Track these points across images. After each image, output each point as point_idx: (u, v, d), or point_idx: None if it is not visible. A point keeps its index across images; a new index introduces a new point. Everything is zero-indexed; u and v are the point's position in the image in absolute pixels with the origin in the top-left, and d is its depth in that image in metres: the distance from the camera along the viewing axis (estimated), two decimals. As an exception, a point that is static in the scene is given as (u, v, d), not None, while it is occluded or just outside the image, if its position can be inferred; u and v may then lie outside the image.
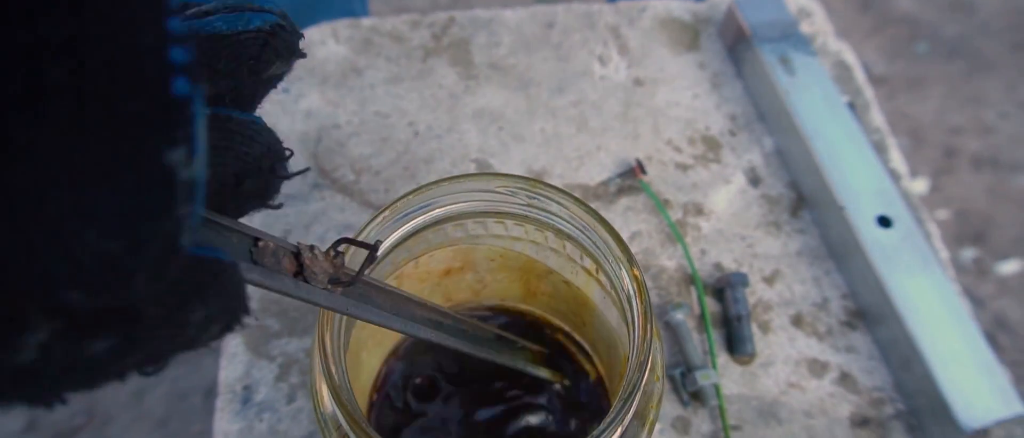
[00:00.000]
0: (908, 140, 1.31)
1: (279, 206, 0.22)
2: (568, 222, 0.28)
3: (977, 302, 1.14)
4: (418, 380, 0.38)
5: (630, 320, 0.26)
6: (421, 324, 0.28)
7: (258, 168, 0.19)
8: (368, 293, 0.26)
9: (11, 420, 1.04)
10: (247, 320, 0.18)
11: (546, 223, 0.29)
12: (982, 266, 1.18)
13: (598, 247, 0.27)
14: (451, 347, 0.30)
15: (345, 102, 0.54)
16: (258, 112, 0.29)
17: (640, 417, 0.27)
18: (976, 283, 1.16)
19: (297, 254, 0.22)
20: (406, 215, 0.29)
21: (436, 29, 0.58)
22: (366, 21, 0.58)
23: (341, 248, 0.24)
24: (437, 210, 0.29)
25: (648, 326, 0.25)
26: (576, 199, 0.27)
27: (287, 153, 0.21)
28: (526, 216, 0.29)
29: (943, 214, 1.23)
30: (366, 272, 0.24)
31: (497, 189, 0.28)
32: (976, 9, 1.50)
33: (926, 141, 1.31)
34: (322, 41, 0.57)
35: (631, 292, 0.26)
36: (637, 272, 0.26)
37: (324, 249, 0.23)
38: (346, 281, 0.23)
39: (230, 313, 0.17)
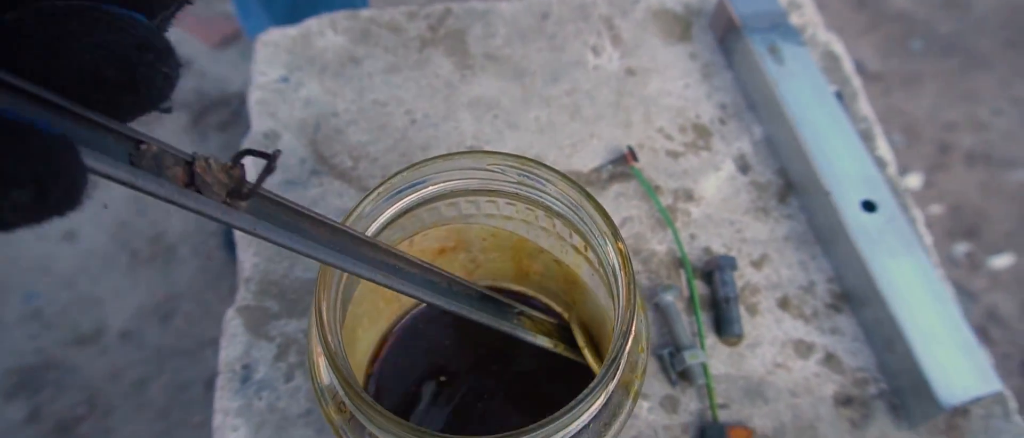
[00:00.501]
0: (903, 136, 1.32)
1: (168, 110, 0.21)
2: (557, 199, 0.29)
3: (969, 296, 1.16)
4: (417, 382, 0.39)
5: (615, 292, 0.27)
6: (361, 261, 0.26)
7: (126, 60, 0.18)
8: (278, 213, 0.24)
9: (14, 410, 1.05)
10: (80, 201, 0.17)
11: (536, 201, 0.31)
12: (975, 260, 1.19)
13: (585, 223, 0.28)
14: (420, 299, 0.29)
15: (343, 91, 0.55)
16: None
17: (625, 386, 0.28)
18: (969, 277, 1.17)
19: (190, 163, 0.21)
20: (400, 192, 0.30)
21: (433, 20, 0.59)
22: (364, 12, 0.59)
23: (244, 161, 0.22)
24: (430, 188, 0.30)
25: (632, 297, 0.26)
26: (564, 176, 0.29)
27: (177, 60, 0.20)
28: (517, 194, 0.30)
29: (937, 209, 1.24)
30: (264, 184, 0.22)
31: (488, 167, 0.29)
32: (971, 7, 1.52)
33: (921, 137, 1.33)
34: (321, 32, 0.58)
35: (616, 265, 0.27)
36: (622, 245, 0.27)
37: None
38: (246, 194, 0.22)
39: (40, 183, 0.16)
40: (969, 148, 1.31)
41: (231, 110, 1.36)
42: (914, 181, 1.27)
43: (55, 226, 1.22)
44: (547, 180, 0.29)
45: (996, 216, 1.24)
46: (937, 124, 1.34)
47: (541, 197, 0.30)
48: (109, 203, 1.25)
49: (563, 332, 0.36)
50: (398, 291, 0.28)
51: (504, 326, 0.32)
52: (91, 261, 1.18)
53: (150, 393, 1.07)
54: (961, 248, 1.20)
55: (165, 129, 1.33)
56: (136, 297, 1.15)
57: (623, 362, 0.26)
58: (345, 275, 0.30)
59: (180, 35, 1.46)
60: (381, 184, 0.29)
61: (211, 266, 1.18)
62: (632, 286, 0.26)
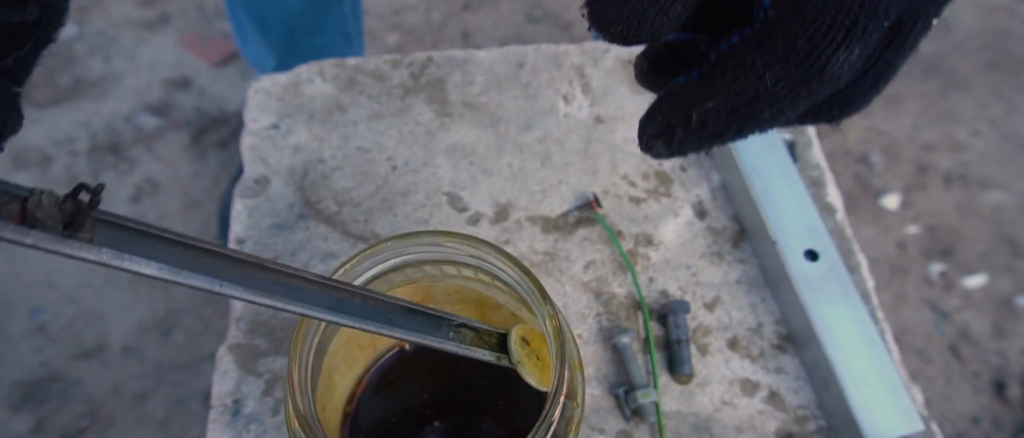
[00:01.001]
0: (882, 157, 1.36)
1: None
2: (503, 271, 0.33)
3: (942, 315, 1.19)
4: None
5: (550, 356, 0.31)
6: (234, 282, 0.25)
7: None
8: (132, 240, 0.23)
9: (19, 422, 1.10)
10: None
11: (489, 272, 0.34)
12: (948, 280, 1.23)
13: (526, 293, 0.32)
14: (323, 319, 0.28)
15: (330, 138, 0.59)
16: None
17: None
18: (942, 296, 1.21)
19: (25, 199, 0.21)
20: (370, 262, 0.34)
21: (415, 68, 0.63)
22: (351, 61, 0.63)
23: (82, 196, 0.22)
24: (396, 260, 0.34)
25: (562, 366, 0.30)
26: (509, 256, 0.32)
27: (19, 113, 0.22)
28: (471, 265, 0.34)
29: (913, 229, 1.28)
30: (94, 210, 0.22)
31: (445, 243, 0.33)
32: (952, 28, 1.55)
33: (900, 157, 1.36)
34: (310, 79, 0.62)
35: (550, 334, 0.31)
36: (554, 319, 0.31)
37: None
38: (82, 226, 0.22)
39: None
40: (947, 169, 1.35)
41: (230, 129, 1.40)
42: (892, 201, 1.30)
43: (59, 243, 1.26)
44: (494, 257, 0.33)
45: (971, 236, 1.27)
46: (916, 145, 1.38)
47: (490, 268, 0.34)
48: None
49: (504, 344, 0.34)
50: (290, 312, 0.27)
51: (438, 342, 0.31)
52: (94, 277, 1.22)
53: (150, 406, 1.11)
54: (936, 268, 1.24)
55: (166, 147, 1.37)
56: (137, 312, 1.19)
57: (556, 418, 0.30)
58: (319, 332, 0.34)
59: (181, 54, 1.51)
60: (359, 253, 0.33)
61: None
62: (562, 355, 0.30)
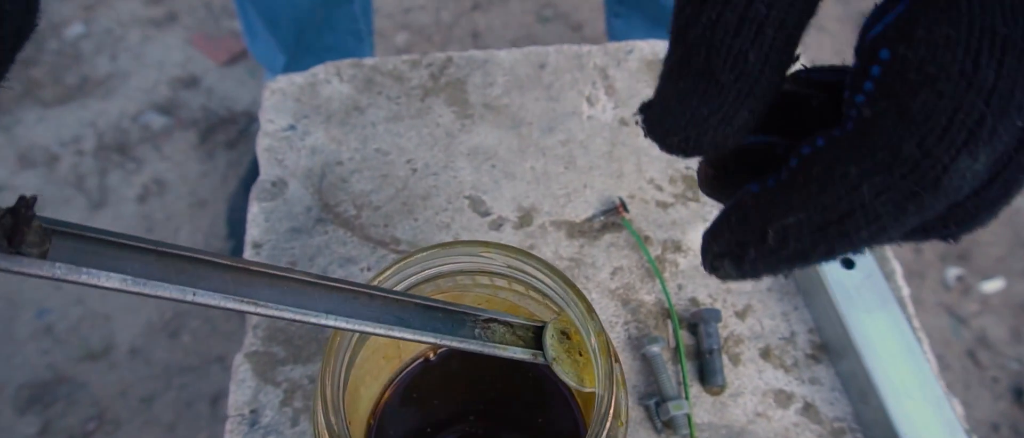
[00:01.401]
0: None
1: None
2: (545, 283, 0.32)
3: (960, 320, 1.18)
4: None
5: (597, 374, 0.30)
6: (209, 290, 0.23)
7: None
8: (90, 251, 0.22)
9: (26, 424, 1.08)
10: None
11: (527, 283, 0.33)
12: (965, 284, 1.22)
13: (570, 307, 0.31)
14: (317, 325, 0.26)
15: (348, 140, 0.58)
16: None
17: (604, 457, 0.30)
18: (959, 301, 1.20)
19: None
20: (400, 274, 0.32)
21: (434, 69, 0.62)
22: (368, 61, 0.62)
23: (28, 210, 0.21)
24: (429, 271, 0.33)
25: (610, 382, 0.28)
26: (551, 267, 0.31)
27: None
28: (507, 275, 0.33)
29: (930, 232, 1.26)
30: (32, 223, 0.21)
31: (482, 255, 0.32)
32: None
33: (915, 159, 1.35)
34: (327, 79, 0.61)
35: (596, 351, 0.29)
36: (602, 336, 0.29)
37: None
38: (21, 238, 0.20)
39: None
40: (963, 171, 1.33)
41: (239, 128, 1.38)
42: (908, 204, 1.29)
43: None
44: (537, 271, 0.31)
45: (988, 241, 1.26)
46: (932, 147, 1.36)
47: (529, 280, 0.32)
48: (118, 220, 1.28)
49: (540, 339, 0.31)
50: (280, 318, 0.25)
51: (461, 341, 0.28)
52: (101, 278, 1.20)
53: (157, 409, 1.10)
54: (953, 272, 1.22)
55: (173, 147, 1.36)
56: (144, 314, 1.17)
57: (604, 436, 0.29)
58: (350, 347, 0.33)
59: (189, 52, 1.49)
60: (381, 273, 0.32)
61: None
62: (611, 373, 0.28)
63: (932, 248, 1.25)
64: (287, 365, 0.49)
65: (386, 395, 0.42)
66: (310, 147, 0.57)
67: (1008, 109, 0.17)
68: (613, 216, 0.54)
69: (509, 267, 0.32)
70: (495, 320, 0.29)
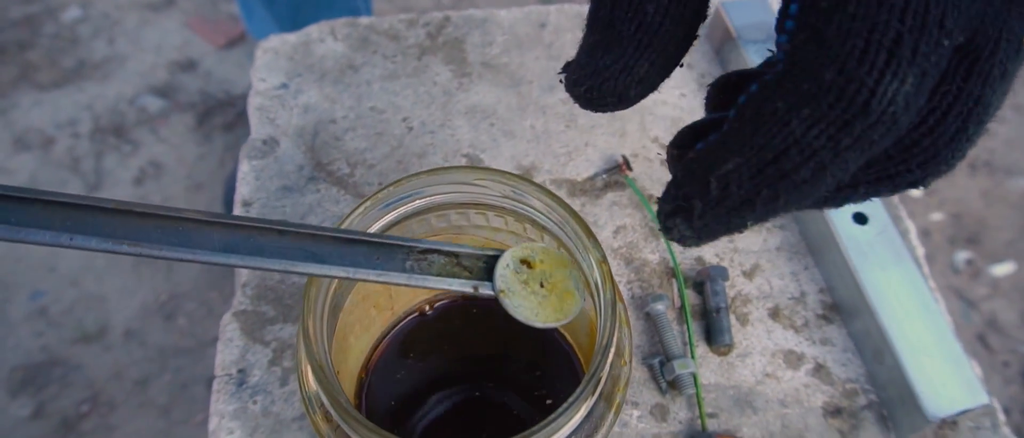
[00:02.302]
0: (905, 142, 1.32)
1: None
2: (544, 215, 0.30)
3: (970, 304, 1.15)
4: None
5: (599, 307, 0.28)
6: (99, 236, 0.22)
7: None
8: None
9: (19, 406, 1.06)
10: None
11: (524, 215, 0.31)
12: (975, 268, 1.19)
13: (571, 239, 0.29)
14: (217, 264, 0.23)
15: (342, 98, 0.56)
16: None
17: (607, 399, 0.28)
18: (969, 285, 1.17)
19: None
20: (389, 205, 0.30)
21: (431, 28, 0.60)
22: (364, 20, 0.60)
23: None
24: (419, 201, 0.31)
25: (613, 313, 0.26)
26: (550, 193, 0.29)
27: None
28: (505, 208, 0.31)
29: (938, 216, 1.24)
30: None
31: (476, 182, 0.30)
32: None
33: (923, 143, 1.33)
34: (321, 38, 0.59)
35: (599, 282, 0.27)
36: (605, 264, 0.27)
37: None
38: None
39: None
40: (971, 156, 1.31)
41: (236, 111, 1.37)
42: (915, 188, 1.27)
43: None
44: (534, 197, 0.29)
45: (997, 224, 1.23)
46: (940, 131, 1.34)
47: (528, 212, 0.30)
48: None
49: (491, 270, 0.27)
50: (178, 260, 0.23)
51: (387, 276, 0.25)
52: (96, 261, 1.19)
53: (152, 391, 1.08)
54: (962, 256, 1.20)
55: (170, 129, 1.34)
56: (140, 296, 1.16)
57: (605, 375, 0.27)
58: (333, 285, 0.31)
59: (187, 35, 1.47)
60: (370, 197, 0.30)
61: (214, 266, 1.18)
62: (614, 303, 0.26)
63: (941, 231, 1.23)
64: (276, 324, 0.47)
65: (379, 350, 0.40)
66: (303, 105, 0.55)
67: (926, 26, 0.17)
68: (616, 174, 0.52)
69: (504, 197, 0.30)
70: (436, 250, 0.26)
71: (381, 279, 0.25)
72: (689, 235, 0.20)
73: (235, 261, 0.23)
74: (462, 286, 0.25)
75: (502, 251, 0.26)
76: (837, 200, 0.20)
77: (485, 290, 0.25)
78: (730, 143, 0.18)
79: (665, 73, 0.22)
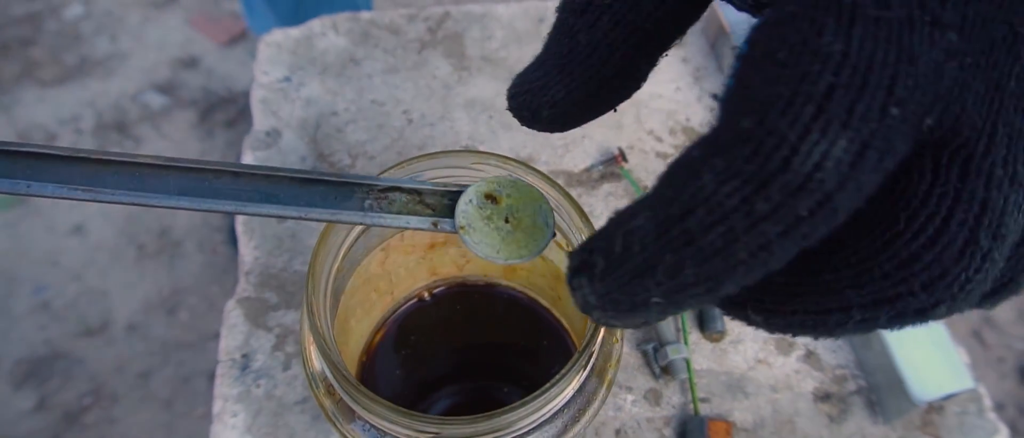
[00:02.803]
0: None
1: None
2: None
3: (965, 299, 1.16)
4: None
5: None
6: (54, 182, 0.22)
7: None
8: None
9: (22, 399, 1.08)
10: None
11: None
12: (971, 264, 1.20)
13: (564, 220, 0.30)
14: (181, 208, 0.23)
15: (343, 91, 0.57)
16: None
17: (598, 374, 0.29)
18: (965, 280, 1.18)
19: None
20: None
21: (431, 23, 0.61)
22: (365, 14, 0.61)
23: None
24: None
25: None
26: (544, 176, 0.30)
27: None
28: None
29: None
30: None
31: (473, 165, 0.31)
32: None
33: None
34: (323, 33, 0.60)
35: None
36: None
37: None
38: None
39: None
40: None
41: (238, 108, 1.38)
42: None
43: (64, 220, 1.24)
44: (530, 180, 0.30)
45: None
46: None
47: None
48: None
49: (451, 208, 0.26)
50: (119, 203, 0.23)
51: (344, 215, 0.24)
52: (99, 255, 1.20)
53: (155, 385, 1.09)
54: (958, 252, 1.21)
55: (172, 126, 1.35)
56: (142, 290, 1.17)
57: (596, 349, 0.28)
58: (335, 267, 0.32)
59: (189, 33, 1.49)
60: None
61: (216, 261, 1.20)
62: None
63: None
64: (279, 310, 0.48)
65: (379, 335, 0.41)
66: (305, 98, 0.56)
67: (867, 86, 0.14)
68: (612, 166, 0.53)
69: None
70: (397, 188, 0.25)
71: (334, 218, 0.24)
72: (591, 300, 0.16)
73: (189, 204, 0.23)
74: (420, 223, 0.24)
75: (465, 187, 0.25)
76: (826, 326, 0.16)
77: (445, 226, 0.24)
78: (648, 196, 0.16)
79: (585, 106, 0.21)
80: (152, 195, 0.23)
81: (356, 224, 0.25)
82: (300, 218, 0.24)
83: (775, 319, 0.17)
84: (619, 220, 0.16)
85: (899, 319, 0.16)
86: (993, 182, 0.16)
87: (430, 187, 0.25)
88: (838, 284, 0.16)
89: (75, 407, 1.07)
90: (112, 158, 0.23)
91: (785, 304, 0.17)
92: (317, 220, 0.24)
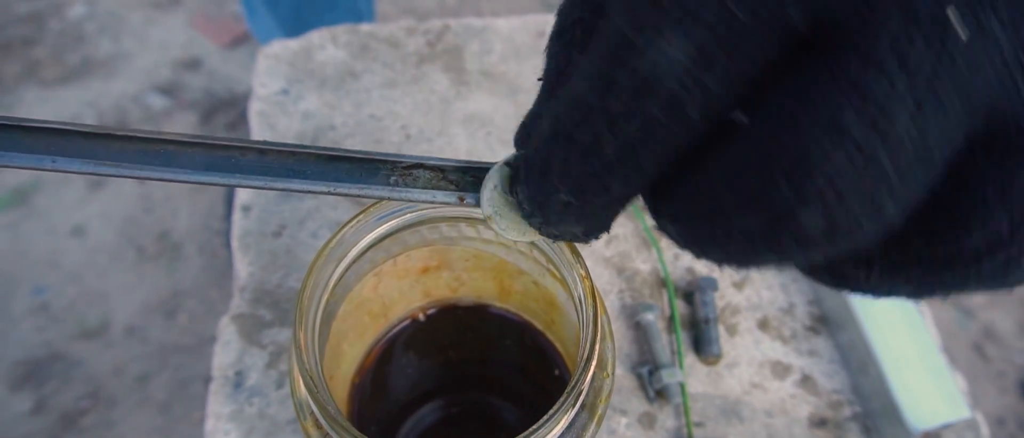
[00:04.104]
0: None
1: None
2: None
3: (967, 312, 1.16)
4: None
5: (582, 320, 0.28)
6: (81, 158, 0.22)
7: None
8: None
9: (19, 401, 1.08)
10: None
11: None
12: (972, 276, 1.20)
13: (555, 252, 0.30)
14: (204, 183, 0.23)
15: (341, 105, 0.57)
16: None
17: (589, 409, 0.29)
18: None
19: None
20: (382, 218, 0.31)
21: (431, 36, 0.61)
22: (364, 27, 0.61)
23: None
24: (411, 214, 0.31)
25: (596, 327, 0.27)
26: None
27: None
28: (492, 221, 0.32)
29: (936, 224, 1.25)
30: None
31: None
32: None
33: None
34: (322, 45, 0.60)
35: (582, 296, 0.28)
36: (588, 280, 0.28)
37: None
38: None
39: None
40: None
41: (239, 110, 1.38)
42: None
43: (64, 221, 1.24)
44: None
45: (996, 233, 1.24)
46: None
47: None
48: (118, 200, 1.27)
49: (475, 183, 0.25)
50: (144, 179, 0.23)
51: (369, 189, 0.24)
52: (98, 257, 1.20)
53: (153, 388, 1.09)
54: (959, 264, 1.21)
55: (174, 127, 1.35)
56: (141, 293, 1.17)
57: (586, 388, 0.28)
58: (326, 292, 0.32)
59: (191, 34, 1.49)
60: (362, 211, 0.30)
61: (215, 264, 1.19)
62: (596, 318, 0.27)
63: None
64: (273, 328, 0.47)
65: (372, 356, 0.41)
66: (303, 111, 0.56)
67: None
68: (610, 184, 0.53)
69: (494, 211, 0.31)
70: (421, 165, 0.25)
71: (362, 193, 0.24)
72: (525, 206, 0.19)
73: (216, 179, 0.23)
74: (446, 197, 0.24)
75: (491, 164, 0.25)
76: (846, 276, 0.16)
77: (470, 201, 0.25)
78: (543, 99, 0.20)
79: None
80: (179, 171, 0.23)
81: (383, 199, 0.25)
82: (328, 193, 0.24)
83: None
84: (528, 123, 0.18)
85: (926, 286, 0.16)
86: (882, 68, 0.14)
87: (453, 164, 0.25)
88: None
89: (72, 410, 1.07)
90: (138, 134, 0.22)
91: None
92: (345, 195, 0.24)
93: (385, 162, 0.24)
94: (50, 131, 0.22)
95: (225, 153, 0.23)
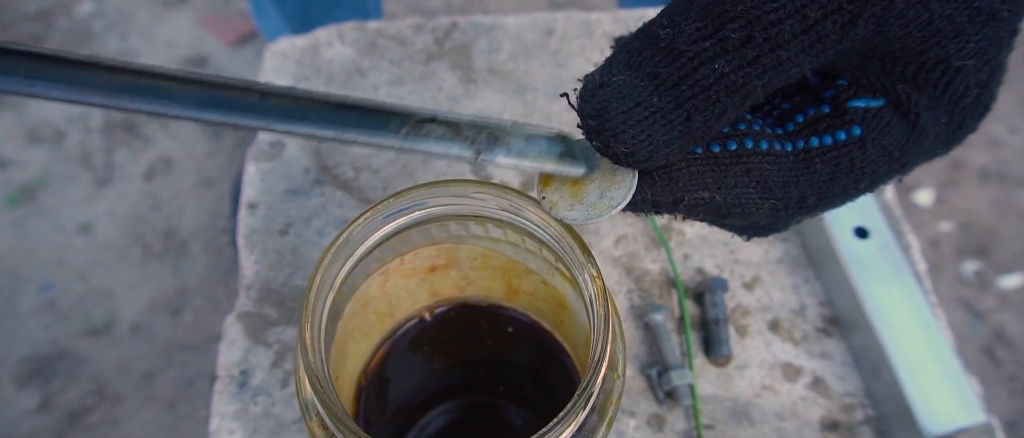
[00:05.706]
0: (915, 151, 1.32)
1: None
2: (540, 228, 0.30)
3: (977, 315, 1.15)
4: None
5: (592, 320, 0.28)
6: (67, 84, 0.20)
7: None
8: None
9: (26, 398, 1.08)
10: None
11: (521, 228, 0.31)
12: (984, 279, 1.19)
13: (566, 252, 0.29)
14: (211, 123, 0.22)
15: (348, 102, 0.56)
16: None
17: (599, 412, 0.29)
18: (977, 296, 1.17)
19: None
20: (390, 215, 0.31)
21: (439, 33, 0.60)
22: (372, 24, 0.60)
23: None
24: (419, 212, 0.31)
25: (607, 328, 0.26)
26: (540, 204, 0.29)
27: None
28: (502, 220, 0.31)
29: (947, 226, 1.24)
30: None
31: (475, 194, 0.30)
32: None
33: (933, 152, 1.32)
34: (329, 42, 0.59)
35: (593, 296, 0.27)
36: (599, 279, 0.28)
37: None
38: None
39: None
40: (982, 166, 1.30)
41: (246, 108, 1.37)
42: (925, 197, 1.26)
43: (71, 219, 1.24)
44: (531, 211, 0.29)
45: (1007, 235, 1.23)
46: (950, 140, 1.33)
47: (525, 225, 0.30)
48: (124, 197, 1.27)
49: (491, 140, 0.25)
50: (138, 112, 0.22)
51: (379, 139, 0.23)
52: (105, 254, 1.20)
53: (158, 386, 1.09)
54: (970, 266, 1.20)
55: (181, 126, 1.35)
56: (147, 291, 1.17)
57: (596, 390, 0.27)
58: (333, 291, 0.31)
59: (198, 32, 1.48)
60: (371, 208, 0.30)
61: (221, 262, 1.19)
62: (607, 318, 0.27)
63: (950, 241, 1.22)
64: (279, 326, 0.47)
65: (378, 356, 0.41)
66: (309, 109, 0.56)
67: None
68: (619, 183, 0.52)
69: (502, 209, 0.30)
70: (434, 120, 0.24)
71: (372, 141, 0.23)
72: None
73: (213, 116, 0.21)
74: (462, 151, 0.23)
75: (505, 121, 0.25)
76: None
77: (487, 157, 0.24)
78: (619, 58, 0.26)
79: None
80: (172, 105, 0.21)
81: (394, 150, 0.23)
82: (335, 139, 0.22)
83: None
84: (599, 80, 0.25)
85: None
86: None
87: (468, 120, 0.24)
88: None
89: (78, 407, 1.07)
90: (130, 67, 0.21)
91: None
92: (353, 143, 0.23)
93: (396, 113, 0.23)
94: (34, 55, 0.20)
95: (223, 92, 0.22)
